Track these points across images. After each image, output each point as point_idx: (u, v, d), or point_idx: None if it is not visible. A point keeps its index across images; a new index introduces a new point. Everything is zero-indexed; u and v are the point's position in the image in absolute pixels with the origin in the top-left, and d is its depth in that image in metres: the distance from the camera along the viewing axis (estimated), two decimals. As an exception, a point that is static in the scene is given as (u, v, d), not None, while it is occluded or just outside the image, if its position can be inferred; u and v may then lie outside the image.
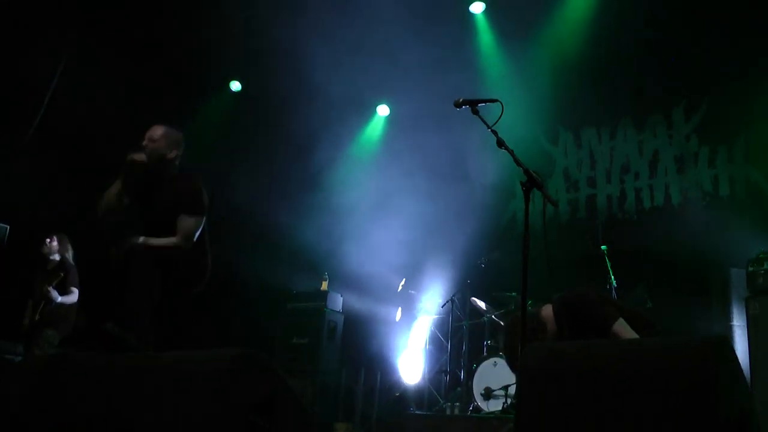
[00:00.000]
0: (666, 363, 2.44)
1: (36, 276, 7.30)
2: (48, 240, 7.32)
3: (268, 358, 3.30)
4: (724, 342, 2.47)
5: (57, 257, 7.33)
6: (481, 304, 7.79)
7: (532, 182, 3.67)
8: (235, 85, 10.31)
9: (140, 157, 4.41)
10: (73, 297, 7.21)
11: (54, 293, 6.98)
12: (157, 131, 4.46)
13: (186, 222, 4.38)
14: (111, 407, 3.62)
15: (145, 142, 4.44)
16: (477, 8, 8.85)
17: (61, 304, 7.08)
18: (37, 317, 7.01)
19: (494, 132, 3.77)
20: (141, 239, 4.28)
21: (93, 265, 7.42)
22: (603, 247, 6.83)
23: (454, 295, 8.17)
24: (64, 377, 4.03)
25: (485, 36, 8.96)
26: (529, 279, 3.47)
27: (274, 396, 3.24)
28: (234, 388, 3.14)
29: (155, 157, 4.43)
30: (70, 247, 7.44)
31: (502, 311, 7.59)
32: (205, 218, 4.51)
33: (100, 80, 8.12)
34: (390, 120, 10.18)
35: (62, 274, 7.14)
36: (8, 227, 7.78)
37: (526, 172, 3.67)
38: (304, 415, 3.43)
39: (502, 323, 7.48)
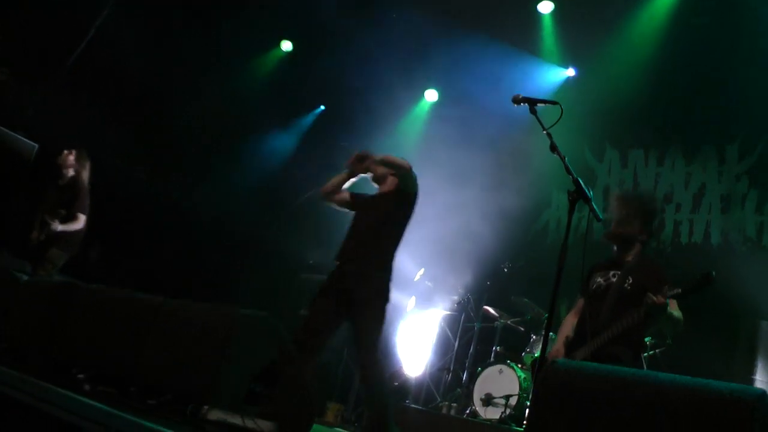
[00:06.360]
0: (694, 402, 2.25)
1: (47, 188, 7.00)
2: (65, 152, 6.96)
3: (279, 325, 3.20)
4: (764, 398, 2.27)
5: (71, 173, 6.93)
6: (494, 313, 7.64)
7: (580, 194, 3.52)
8: (286, 45, 10.13)
9: None
10: (78, 224, 6.82)
11: (55, 224, 6.67)
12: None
13: None
14: (113, 341, 3.60)
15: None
16: (545, 8, 8.67)
17: (64, 231, 6.77)
18: (42, 236, 6.76)
19: (549, 135, 3.66)
20: None
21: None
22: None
23: (470, 295, 8.02)
24: (69, 306, 4.02)
25: (548, 38, 8.76)
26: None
27: (278, 363, 3.15)
28: (236, 344, 3.07)
29: None
30: (88, 166, 7.03)
31: (518, 319, 7.43)
32: None
33: (145, 20, 8.13)
34: (433, 109, 10.03)
35: (71, 195, 6.84)
36: (37, 146, 7.73)
37: (576, 182, 3.53)
38: (305, 390, 3.33)
39: (521, 328, 7.37)
